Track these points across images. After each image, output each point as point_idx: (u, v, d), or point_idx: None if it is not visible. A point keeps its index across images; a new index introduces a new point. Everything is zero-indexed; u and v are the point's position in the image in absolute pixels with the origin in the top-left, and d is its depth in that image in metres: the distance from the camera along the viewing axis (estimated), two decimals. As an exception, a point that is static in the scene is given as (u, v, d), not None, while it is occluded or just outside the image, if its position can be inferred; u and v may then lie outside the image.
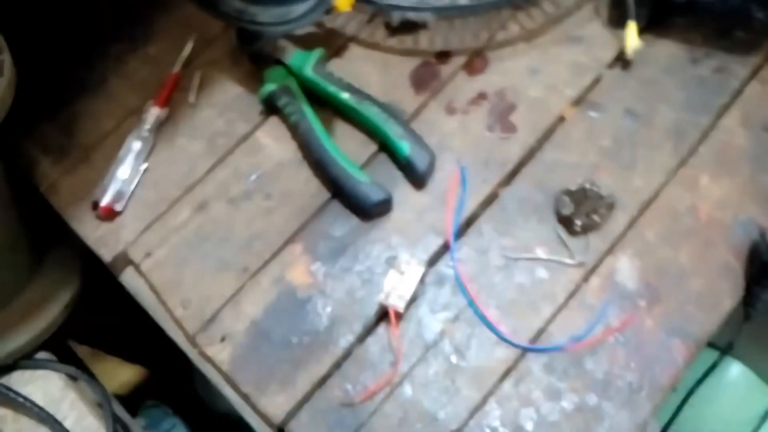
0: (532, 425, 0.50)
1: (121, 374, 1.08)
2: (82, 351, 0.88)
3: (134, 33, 0.66)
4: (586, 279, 0.53)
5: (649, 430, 0.59)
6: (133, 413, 0.86)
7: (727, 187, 0.56)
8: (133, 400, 0.92)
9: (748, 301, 0.52)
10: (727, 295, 0.53)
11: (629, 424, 0.49)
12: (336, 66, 0.62)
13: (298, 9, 0.50)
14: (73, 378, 0.61)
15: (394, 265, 0.52)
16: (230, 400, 0.53)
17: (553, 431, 0.49)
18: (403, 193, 0.57)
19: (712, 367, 0.68)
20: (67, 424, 0.58)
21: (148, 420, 0.92)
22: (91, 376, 0.77)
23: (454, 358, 0.52)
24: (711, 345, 0.53)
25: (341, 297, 0.54)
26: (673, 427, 0.75)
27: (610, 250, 0.54)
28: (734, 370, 1.00)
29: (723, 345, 0.58)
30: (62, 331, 0.64)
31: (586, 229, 0.54)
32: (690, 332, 0.51)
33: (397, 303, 0.50)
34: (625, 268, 0.53)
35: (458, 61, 0.62)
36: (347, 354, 0.52)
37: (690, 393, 0.71)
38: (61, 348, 0.74)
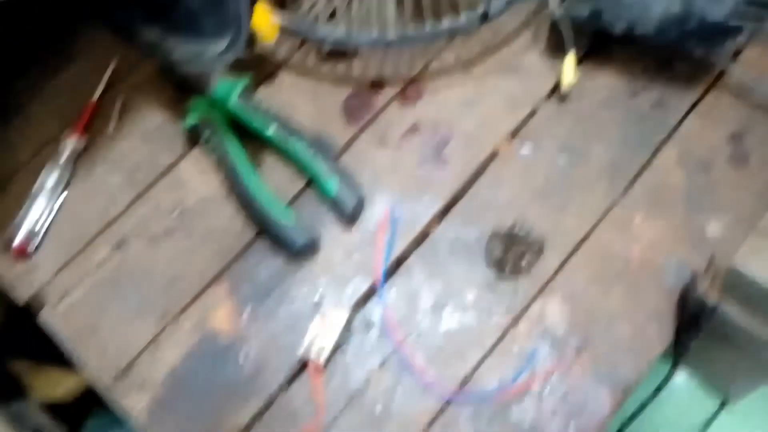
0: (456, 477, 0.49)
1: (65, 383, 1.05)
2: (19, 366, 0.86)
3: (53, 54, 0.62)
4: (514, 324, 0.52)
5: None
6: (81, 422, 0.84)
7: (661, 228, 0.55)
8: (80, 408, 0.90)
9: (677, 348, 0.52)
10: (657, 341, 0.52)
11: (553, 476, 0.49)
12: (265, 93, 0.60)
13: (214, 48, 0.47)
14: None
15: (319, 311, 0.50)
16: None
17: (477, 483, 0.49)
18: (331, 232, 0.55)
19: (665, 380, 0.67)
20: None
21: (96, 429, 0.90)
22: (25, 395, 0.74)
23: (378, 408, 0.50)
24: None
25: (265, 343, 0.52)
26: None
27: (539, 294, 0.53)
28: (678, 378, 1.01)
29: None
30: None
31: (516, 272, 0.53)
32: (618, 379, 0.51)
33: (317, 356, 0.49)
34: (554, 312, 0.53)
35: (392, 90, 0.60)
36: (269, 404, 0.51)
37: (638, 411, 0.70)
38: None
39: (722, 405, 1.00)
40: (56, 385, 1.03)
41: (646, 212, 0.55)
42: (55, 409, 0.79)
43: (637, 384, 0.51)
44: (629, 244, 0.54)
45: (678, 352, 0.52)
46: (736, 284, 0.70)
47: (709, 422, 1.00)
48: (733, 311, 0.78)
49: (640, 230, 0.55)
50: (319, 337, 0.49)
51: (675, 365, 0.53)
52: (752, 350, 0.81)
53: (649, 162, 0.57)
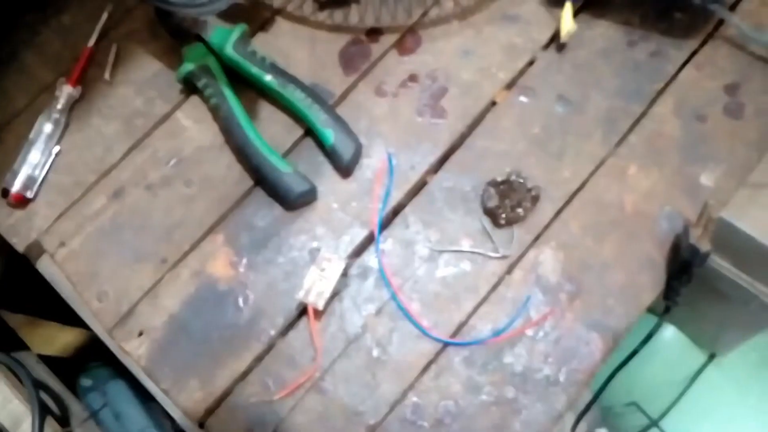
0: (451, 418, 0.50)
1: (62, 338, 1.06)
2: (15, 320, 0.86)
3: (46, 1, 0.61)
4: (509, 272, 0.53)
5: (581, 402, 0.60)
6: (76, 376, 0.84)
7: (655, 177, 0.55)
8: (77, 362, 0.91)
9: (668, 295, 0.53)
10: (648, 288, 0.53)
11: (544, 417, 0.50)
12: (261, 41, 0.59)
13: (209, -8, 0.47)
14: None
15: (316, 260, 0.51)
16: (153, 393, 0.53)
17: (471, 424, 0.50)
18: (328, 181, 0.55)
19: (650, 335, 0.69)
20: (-10, 410, 0.57)
21: (92, 381, 0.91)
22: (24, 349, 0.75)
23: (375, 353, 0.51)
24: (650, 310, 0.53)
25: (263, 290, 0.53)
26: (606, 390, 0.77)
27: (534, 243, 0.54)
28: (666, 332, 1.04)
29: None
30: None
31: (511, 221, 0.53)
32: (609, 326, 0.52)
33: (315, 301, 0.49)
34: (548, 260, 0.53)
35: (389, 39, 0.59)
36: (268, 348, 0.52)
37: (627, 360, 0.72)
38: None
39: (710, 358, 1.02)
40: (52, 341, 1.04)
41: (641, 162, 0.55)
42: (51, 365, 0.80)
43: (628, 330, 0.52)
44: (624, 194, 0.55)
45: (669, 299, 0.53)
46: (725, 237, 0.71)
47: (697, 374, 1.02)
48: (721, 263, 0.80)
49: (634, 180, 0.55)
50: (318, 283, 0.50)
51: (667, 311, 0.54)
52: (740, 303, 0.83)
53: (645, 112, 0.57)
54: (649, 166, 0.55)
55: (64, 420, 0.69)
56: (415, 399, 0.51)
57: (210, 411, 0.50)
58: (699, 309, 0.91)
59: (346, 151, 0.53)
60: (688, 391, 1.02)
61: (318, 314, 0.51)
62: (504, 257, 0.53)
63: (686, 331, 1.03)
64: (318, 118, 0.54)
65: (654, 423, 1.02)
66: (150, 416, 0.87)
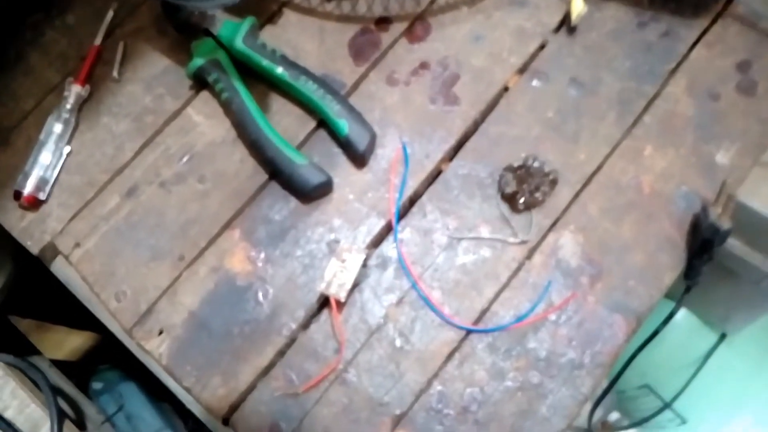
0: (477, 405, 0.50)
1: (71, 342, 1.06)
2: (25, 325, 0.86)
3: (51, 0, 0.61)
4: (529, 257, 0.53)
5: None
6: (88, 378, 0.84)
7: (671, 157, 0.55)
8: (87, 365, 0.91)
9: (689, 274, 0.53)
10: (668, 268, 0.53)
11: (570, 401, 0.50)
12: (269, 34, 0.59)
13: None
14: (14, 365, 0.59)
15: (335, 252, 0.51)
16: (174, 391, 0.52)
17: (497, 410, 0.50)
18: (343, 172, 0.55)
19: (669, 317, 0.68)
20: (8, 414, 0.57)
21: (103, 384, 0.91)
22: (35, 353, 0.74)
23: (398, 342, 0.51)
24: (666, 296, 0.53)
25: (282, 284, 0.53)
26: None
27: (553, 227, 0.53)
28: (678, 314, 1.03)
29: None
30: (2, 309, 0.61)
31: (529, 206, 0.53)
32: (631, 308, 0.52)
33: (337, 292, 0.49)
34: (567, 244, 0.53)
35: (399, 27, 0.59)
36: (290, 342, 0.51)
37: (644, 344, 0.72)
38: (2, 326, 0.72)
39: (721, 338, 1.02)
40: (61, 345, 1.03)
41: (656, 142, 0.55)
42: (62, 369, 0.79)
43: (650, 311, 0.52)
44: (640, 175, 0.54)
45: (690, 279, 0.53)
46: (737, 215, 0.71)
47: (708, 355, 1.02)
48: (732, 242, 0.80)
49: (650, 160, 0.55)
50: (339, 274, 0.49)
51: (687, 291, 0.54)
52: (751, 282, 0.83)
53: (658, 92, 0.57)
54: (665, 147, 0.55)
55: (80, 424, 0.69)
56: (439, 387, 0.50)
57: (234, 407, 0.50)
58: (709, 289, 0.91)
59: (361, 141, 0.53)
60: (700, 372, 1.02)
61: (340, 306, 0.51)
62: (523, 242, 0.53)
63: (696, 311, 1.03)
64: (331, 109, 0.53)
65: (667, 405, 1.02)
66: (163, 417, 0.87)
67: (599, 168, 0.55)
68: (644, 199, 0.54)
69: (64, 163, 0.56)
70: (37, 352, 0.83)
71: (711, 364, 1.02)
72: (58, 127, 0.56)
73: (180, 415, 0.89)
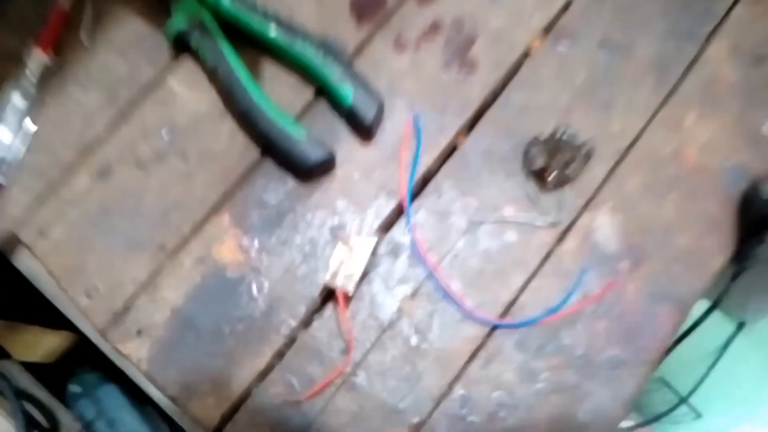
0: (506, 411, 0.44)
1: (46, 342, 1.00)
2: (-5, 327, 0.79)
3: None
4: (560, 241, 0.47)
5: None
6: (66, 381, 0.79)
7: (715, 127, 0.49)
8: (64, 367, 0.84)
9: (740, 257, 0.47)
10: (715, 252, 0.47)
11: (611, 404, 0.44)
12: (260, -7, 0.52)
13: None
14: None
15: (342, 238, 0.44)
16: (157, 401, 0.46)
17: (529, 416, 0.44)
18: (347, 147, 0.48)
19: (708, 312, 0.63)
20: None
21: (81, 387, 0.85)
22: (4, 356, 0.69)
23: (414, 340, 0.45)
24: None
25: (279, 275, 0.46)
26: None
27: (587, 206, 0.47)
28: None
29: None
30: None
31: (561, 183, 0.47)
32: (677, 296, 0.46)
33: (345, 284, 0.42)
34: (603, 226, 0.47)
35: (406, -16, 0.52)
36: (290, 342, 0.45)
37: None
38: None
39: (739, 327, 0.97)
40: (34, 346, 0.96)
41: (698, 111, 0.49)
42: (35, 371, 0.73)
43: (697, 299, 0.46)
44: (682, 147, 0.48)
45: (740, 263, 0.47)
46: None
47: (725, 346, 0.97)
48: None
49: (692, 131, 0.49)
50: (346, 263, 0.43)
51: (735, 278, 0.48)
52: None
53: (698, 56, 0.50)
54: (708, 115, 0.49)
55: (53, 434, 0.62)
56: (462, 391, 0.44)
57: (226, 418, 0.43)
58: (726, 274, 0.86)
59: (368, 110, 0.46)
60: (717, 364, 0.96)
61: (347, 300, 0.44)
62: (554, 224, 0.47)
63: (713, 299, 0.97)
64: (333, 74, 0.46)
65: (683, 400, 0.97)
66: (147, 422, 0.81)
67: (636, 140, 0.49)
68: (687, 174, 0.48)
69: (27, 141, 0.48)
70: (7, 356, 0.76)
71: (728, 356, 0.97)
72: (18, 101, 0.49)
73: (166, 419, 0.83)
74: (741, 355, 0.97)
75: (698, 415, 1.00)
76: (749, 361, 0.97)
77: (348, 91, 0.46)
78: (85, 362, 0.87)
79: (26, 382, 0.69)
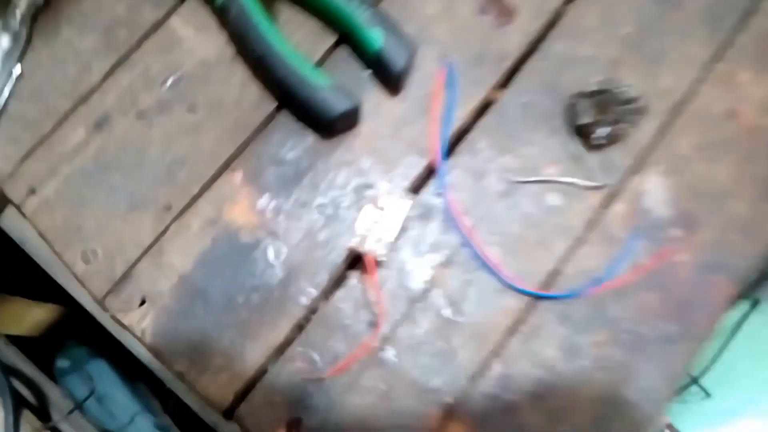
0: (547, 390, 0.40)
1: (33, 315, 0.96)
2: (-24, 299, 0.75)
3: None
4: (607, 205, 0.43)
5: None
6: (54, 354, 0.78)
7: (773, 85, 0.45)
8: (52, 340, 0.81)
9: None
10: (775, 219, 0.43)
11: (661, 382, 0.40)
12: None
13: None
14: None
15: (369, 197, 0.40)
16: (162, 378, 0.41)
17: (573, 395, 0.40)
18: (373, 101, 0.44)
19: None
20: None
21: (69, 362, 0.82)
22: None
23: (447, 313, 0.41)
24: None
25: (299, 240, 0.41)
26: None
27: (637, 168, 0.43)
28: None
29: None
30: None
31: (611, 141, 0.42)
32: (732, 267, 0.42)
33: (375, 249, 0.38)
34: (654, 189, 0.43)
35: None
36: (310, 314, 0.41)
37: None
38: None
39: (753, 305, 0.94)
40: (20, 319, 0.92)
41: (755, 66, 0.45)
42: (22, 345, 0.69)
43: (754, 271, 0.42)
44: (737, 106, 0.44)
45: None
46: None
47: (739, 324, 0.94)
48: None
49: (748, 88, 0.45)
50: (375, 226, 0.38)
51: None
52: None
53: (755, 6, 0.46)
54: (764, 72, 0.45)
55: (43, 411, 0.58)
56: (500, 368, 0.40)
57: (240, 396, 0.39)
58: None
59: (398, 57, 0.41)
60: (730, 344, 0.94)
61: (376, 267, 0.40)
62: (601, 187, 0.42)
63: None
64: (359, 17, 0.42)
65: (695, 381, 0.94)
66: (139, 399, 0.78)
67: (688, 97, 0.44)
68: (743, 135, 0.44)
69: (13, 88, 0.43)
70: (-8, 329, 0.72)
71: (742, 335, 0.94)
72: (4, 42, 0.43)
73: (158, 395, 0.80)
74: (755, 335, 0.94)
75: (707, 395, 0.97)
76: (763, 340, 0.94)
77: (377, 35, 0.41)
78: (74, 335, 0.84)
79: (12, 356, 0.65)
